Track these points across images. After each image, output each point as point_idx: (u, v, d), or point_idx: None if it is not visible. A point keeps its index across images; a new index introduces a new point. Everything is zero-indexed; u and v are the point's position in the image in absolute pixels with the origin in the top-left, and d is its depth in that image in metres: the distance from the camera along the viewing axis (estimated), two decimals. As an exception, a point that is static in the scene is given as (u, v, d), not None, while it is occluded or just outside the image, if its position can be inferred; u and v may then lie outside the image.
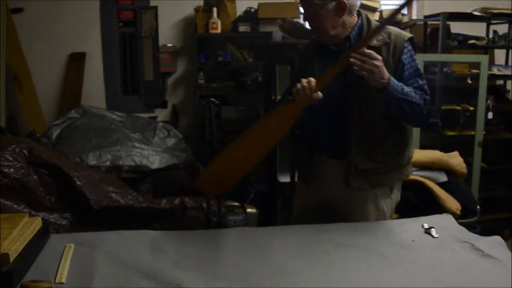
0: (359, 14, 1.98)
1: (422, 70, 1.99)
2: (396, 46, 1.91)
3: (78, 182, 2.34)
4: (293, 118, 1.88)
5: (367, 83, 1.80)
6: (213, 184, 1.98)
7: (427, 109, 1.89)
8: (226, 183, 1.99)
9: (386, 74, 1.78)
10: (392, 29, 1.97)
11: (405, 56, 1.92)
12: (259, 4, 4.09)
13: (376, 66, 1.74)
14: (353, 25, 1.95)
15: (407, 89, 1.85)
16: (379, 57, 1.76)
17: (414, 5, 4.78)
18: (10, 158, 2.23)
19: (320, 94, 1.78)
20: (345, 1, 1.87)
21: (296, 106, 1.84)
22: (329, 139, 2.01)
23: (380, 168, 1.99)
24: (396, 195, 2.11)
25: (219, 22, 4.06)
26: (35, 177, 2.27)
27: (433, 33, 4.06)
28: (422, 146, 3.44)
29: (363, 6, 3.50)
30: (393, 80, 1.81)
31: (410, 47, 1.94)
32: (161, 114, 4.37)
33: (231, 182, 1.97)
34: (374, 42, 1.87)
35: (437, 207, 2.40)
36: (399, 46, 1.91)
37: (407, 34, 1.97)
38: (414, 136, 2.20)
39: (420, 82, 1.92)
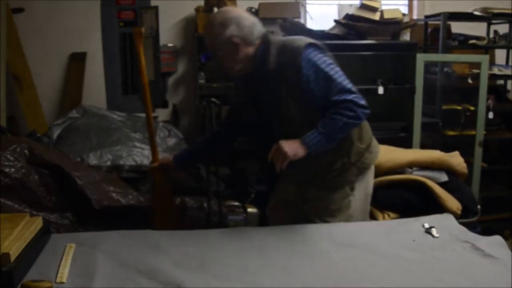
0: (265, 36, 1.93)
1: (335, 68, 1.88)
2: (292, 59, 1.85)
3: (79, 182, 2.34)
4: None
5: (286, 111, 1.89)
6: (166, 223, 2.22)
7: (354, 112, 1.83)
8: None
9: (296, 145, 1.80)
10: (288, 41, 1.92)
11: (304, 65, 1.84)
12: (260, 4, 4.09)
13: (285, 155, 1.77)
14: (258, 52, 1.91)
15: (323, 127, 1.83)
16: (279, 146, 1.79)
17: (415, 5, 4.78)
18: (11, 158, 2.23)
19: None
20: (235, 40, 1.86)
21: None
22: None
23: (332, 172, 2.01)
24: (363, 185, 2.12)
25: (219, 22, 4.06)
26: (36, 177, 2.27)
27: (433, 33, 4.06)
28: (423, 146, 3.44)
29: (363, 6, 3.49)
30: (307, 138, 1.82)
31: (311, 54, 1.86)
32: (162, 114, 4.37)
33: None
34: (271, 66, 1.87)
35: (437, 207, 2.40)
36: (295, 58, 1.85)
37: (303, 41, 1.89)
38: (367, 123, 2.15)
39: (336, 85, 1.84)
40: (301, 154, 1.82)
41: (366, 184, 2.15)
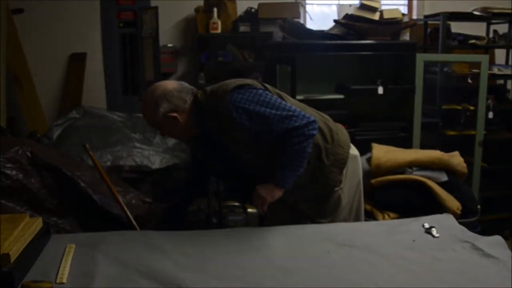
0: (194, 96, 1.93)
1: (265, 100, 1.84)
2: (222, 111, 1.84)
3: (82, 184, 2.33)
4: None
5: (241, 156, 1.96)
6: None
7: (302, 136, 1.83)
8: None
9: (271, 188, 1.87)
10: (213, 94, 1.90)
11: (235, 115, 1.82)
12: (260, 4, 4.09)
13: (263, 199, 1.88)
14: (197, 111, 1.91)
15: (285, 164, 1.86)
16: (257, 192, 1.88)
17: (414, 5, 4.79)
18: (13, 160, 2.22)
19: None
20: (171, 114, 1.87)
21: None
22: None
23: (316, 182, 2.03)
24: (350, 175, 2.13)
25: (219, 22, 4.06)
26: (38, 179, 2.26)
27: (433, 33, 4.07)
28: (423, 146, 3.44)
29: (363, 6, 3.49)
30: (277, 181, 1.87)
31: (237, 100, 1.83)
32: (162, 115, 4.37)
33: None
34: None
35: (437, 207, 2.40)
36: (224, 109, 1.83)
37: (226, 89, 1.86)
38: (325, 117, 2.15)
39: (271, 119, 1.82)
40: (278, 195, 1.89)
41: (354, 172, 2.16)
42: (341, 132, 2.14)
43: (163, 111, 1.86)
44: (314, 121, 1.86)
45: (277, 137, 1.85)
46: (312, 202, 2.10)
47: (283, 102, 1.88)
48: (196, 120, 1.92)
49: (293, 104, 1.97)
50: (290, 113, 1.83)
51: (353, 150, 2.18)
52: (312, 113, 1.99)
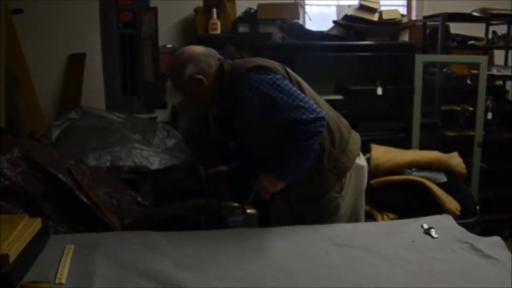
0: (221, 65, 1.97)
1: (280, 86, 1.85)
2: (239, 87, 1.88)
3: (76, 191, 2.32)
4: None
5: (248, 135, 1.99)
6: None
7: (308, 132, 1.83)
8: None
9: (274, 179, 1.92)
10: (236, 67, 1.94)
11: (249, 93, 1.86)
12: (259, 5, 4.09)
13: (266, 189, 1.93)
14: (221, 79, 1.95)
15: (289, 158, 1.87)
16: (260, 182, 1.94)
17: (414, 5, 4.79)
18: (12, 162, 2.22)
19: None
20: (196, 77, 1.92)
21: None
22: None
23: (309, 181, 2.03)
24: (354, 185, 2.13)
25: (218, 23, 4.06)
26: (35, 181, 2.26)
27: (432, 34, 4.07)
28: (422, 147, 3.44)
29: (362, 7, 3.50)
30: (280, 174, 1.91)
31: (253, 79, 1.87)
32: (161, 115, 4.37)
33: None
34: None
35: (436, 208, 2.40)
36: (241, 85, 1.88)
37: (246, 66, 1.90)
38: (343, 123, 2.14)
39: (282, 105, 1.83)
40: (280, 186, 1.94)
41: (358, 182, 2.15)
42: (353, 141, 2.13)
43: (189, 73, 1.92)
44: (322, 118, 1.86)
45: (284, 126, 1.85)
46: (307, 201, 2.09)
47: (298, 92, 1.88)
48: (217, 90, 1.96)
49: (310, 96, 1.97)
50: (301, 103, 1.84)
51: (361, 161, 2.16)
52: (327, 112, 1.99)
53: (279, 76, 1.90)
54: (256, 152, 2.09)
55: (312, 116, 1.83)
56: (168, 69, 2.02)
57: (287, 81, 1.91)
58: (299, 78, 2.04)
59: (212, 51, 2.00)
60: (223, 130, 2.20)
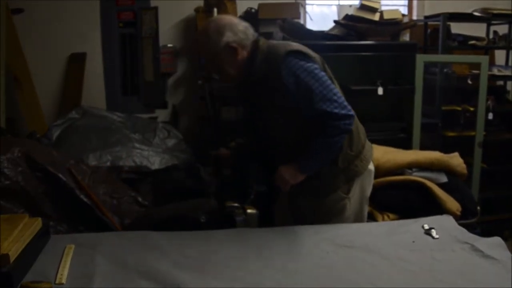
0: (256, 41, 1.93)
1: (317, 75, 1.84)
2: (274, 67, 1.84)
3: (76, 191, 2.32)
4: None
5: (272, 118, 1.94)
6: None
7: (337, 128, 1.83)
8: None
9: (294, 171, 1.90)
10: (273, 47, 1.91)
11: (285, 75, 1.82)
12: (259, 5, 4.09)
13: (286, 181, 1.91)
14: (254, 55, 1.90)
15: (314, 152, 1.87)
16: (280, 174, 1.91)
17: (415, 5, 4.79)
18: (12, 162, 2.22)
19: None
20: (232, 45, 1.86)
21: None
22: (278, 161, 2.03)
23: (318, 178, 2.00)
24: (360, 188, 2.11)
25: (219, 23, 4.06)
26: (36, 181, 2.26)
27: (433, 34, 4.06)
28: (422, 147, 3.44)
29: (363, 7, 3.49)
30: (302, 166, 1.89)
31: (291, 63, 1.83)
32: (161, 115, 4.37)
33: None
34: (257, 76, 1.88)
35: (437, 208, 2.40)
36: (277, 66, 1.83)
37: (286, 48, 1.87)
38: (360, 127, 2.14)
39: (316, 94, 1.81)
40: (300, 179, 1.92)
41: (363, 186, 2.13)
42: (368, 147, 2.14)
43: (226, 40, 1.85)
44: (352, 116, 1.86)
45: (313, 117, 1.83)
46: (313, 196, 2.07)
47: (333, 85, 1.87)
48: (248, 65, 1.90)
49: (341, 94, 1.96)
50: (335, 97, 1.83)
51: (371, 165, 2.16)
52: None
53: (316, 65, 1.88)
54: (275, 137, 2.03)
55: (343, 112, 1.83)
56: (201, 34, 1.90)
57: (324, 74, 1.89)
58: (331, 74, 2.00)
59: (248, 24, 1.94)
60: (245, 105, 2.14)
